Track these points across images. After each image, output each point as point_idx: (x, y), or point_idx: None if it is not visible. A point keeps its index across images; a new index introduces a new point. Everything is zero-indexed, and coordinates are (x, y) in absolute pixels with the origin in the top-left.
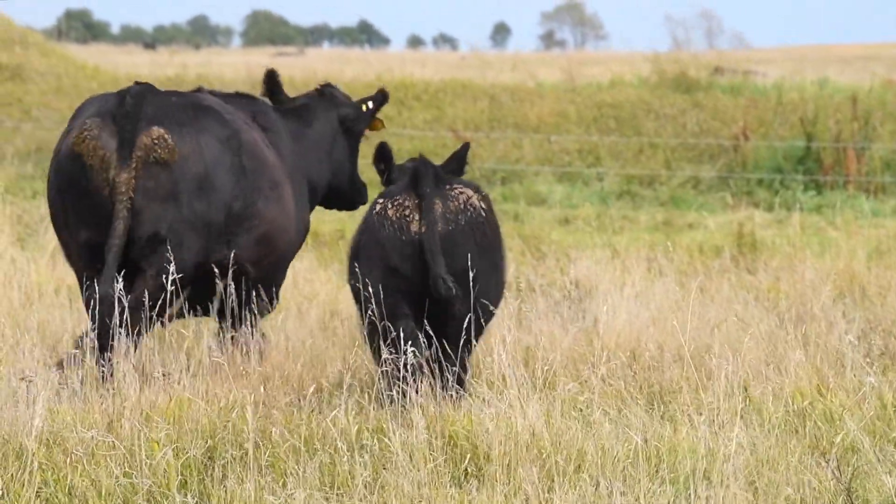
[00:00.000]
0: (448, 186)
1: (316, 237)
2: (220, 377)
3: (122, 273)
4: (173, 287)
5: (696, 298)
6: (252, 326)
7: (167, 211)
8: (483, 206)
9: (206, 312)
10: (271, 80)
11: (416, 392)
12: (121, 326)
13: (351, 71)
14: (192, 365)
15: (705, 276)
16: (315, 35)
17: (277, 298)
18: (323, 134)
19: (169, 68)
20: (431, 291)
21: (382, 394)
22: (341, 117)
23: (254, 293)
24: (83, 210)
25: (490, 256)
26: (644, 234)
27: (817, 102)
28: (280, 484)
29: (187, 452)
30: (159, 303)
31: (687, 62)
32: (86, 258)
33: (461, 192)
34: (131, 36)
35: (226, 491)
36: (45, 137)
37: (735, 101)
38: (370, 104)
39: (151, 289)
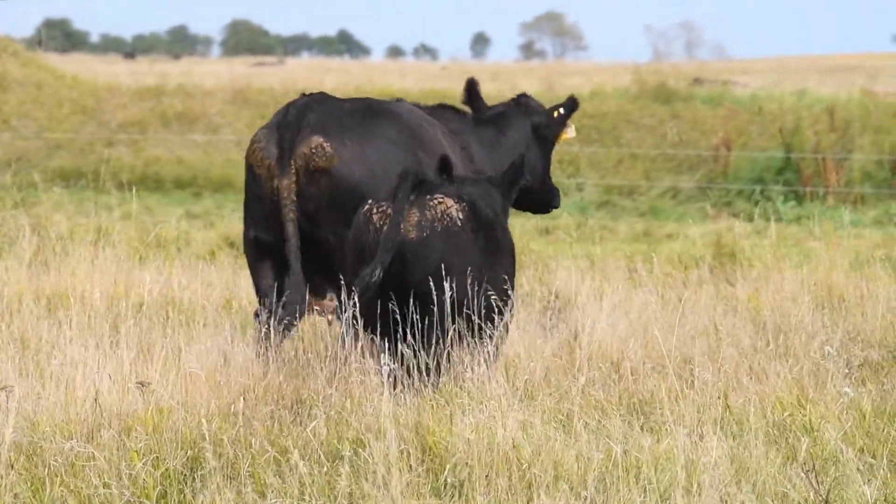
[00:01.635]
0: (428, 196)
1: None
2: (199, 388)
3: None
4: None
5: (675, 309)
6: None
7: (336, 214)
8: (461, 215)
9: None
10: (471, 90)
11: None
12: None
13: (331, 81)
14: (173, 375)
15: (685, 286)
16: (295, 45)
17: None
18: (517, 141)
19: (149, 77)
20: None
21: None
22: (534, 125)
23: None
24: (257, 212)
25: (469, 261)
26: (624, 244)
27: (797, 113)
28: (260, 495)
29: (167, 463)
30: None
31: (667, 73)
32: (253, 254)
33: (440, 203)
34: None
35: (205, 502)
36: (24, 147)
37: (715, 111)
38: (561, 110)
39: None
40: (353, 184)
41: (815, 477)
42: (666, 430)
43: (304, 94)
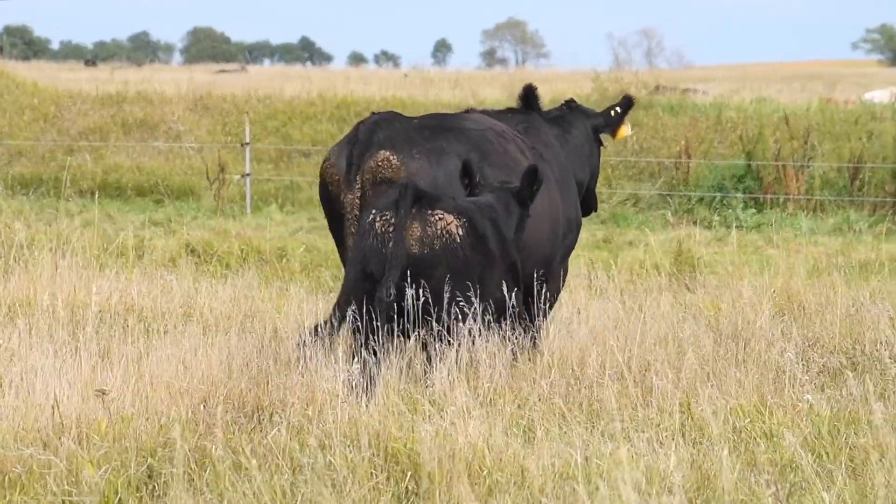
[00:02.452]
0: (429, 212)
1: (259, 255)
2: (159, 395)
3: None
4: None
5: (636, 316)
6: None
7: None
8: (460, 232)
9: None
10: (530, 94)
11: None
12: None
13: (292, 88)
14: (133, 382)
15: (646, 293)
16: (256, 52)
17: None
18: (580, 141)
19: (110, 85)
20: (377, 293)
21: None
22: (594, 126)
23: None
24: (333, 224)
25: (469, 276)
26: (585, 251)
27: (757, 121)
28: (220, 502)
29: (127, 470)
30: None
31: (628, 80)
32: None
33: (441, 219)
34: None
35: None
36: None
37: (676, 119)
38: (618, 109)
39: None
40: None
41: (775, 483)
42: (626, 437)
43: (373, 113)
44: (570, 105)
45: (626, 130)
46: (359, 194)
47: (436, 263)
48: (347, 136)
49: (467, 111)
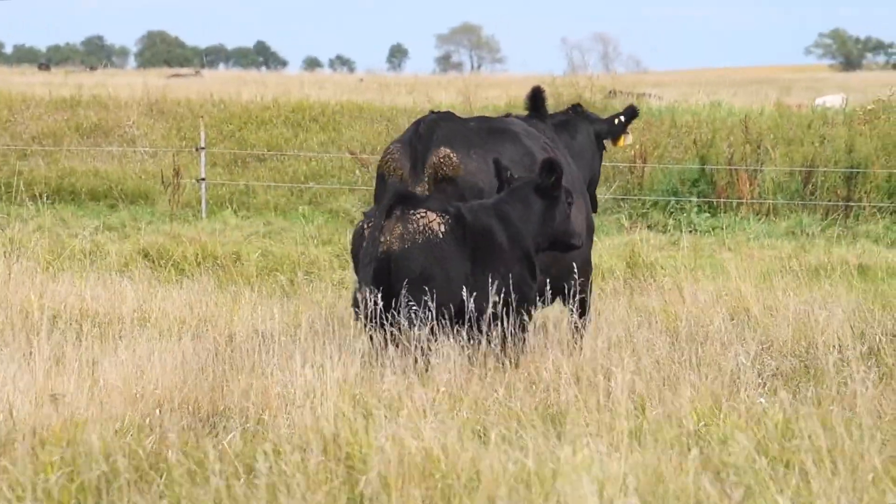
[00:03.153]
0: (411, 212)
1: (214, 260)
2: (114, 400)
3: None
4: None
5: (592, 320)
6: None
7: None
8: (442, 228)
9: None
10: (537, 98)
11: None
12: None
13: (248, 93)
14: (87, 387)
15: (600, 297)
16: (211, 56)
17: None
18: (584, 145)
19: (64, 89)
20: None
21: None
22: (597, 132)
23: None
24: None
25: (454, 266)
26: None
27: (711, 125)
28: None
29: (81, 476)
30: None
31: (582, 85)
32: None
33: (422, 217)
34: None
35: None
36: None
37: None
38: (622, 118)
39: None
40: (475, 193)
41: (729, 486)
42: (581, 441)
43: (432, 112)
44: (576, 109)
45: (627, 139)
46: (426, 188)
47: (415, 257)
48: (408, 132)
49: (506, 115)
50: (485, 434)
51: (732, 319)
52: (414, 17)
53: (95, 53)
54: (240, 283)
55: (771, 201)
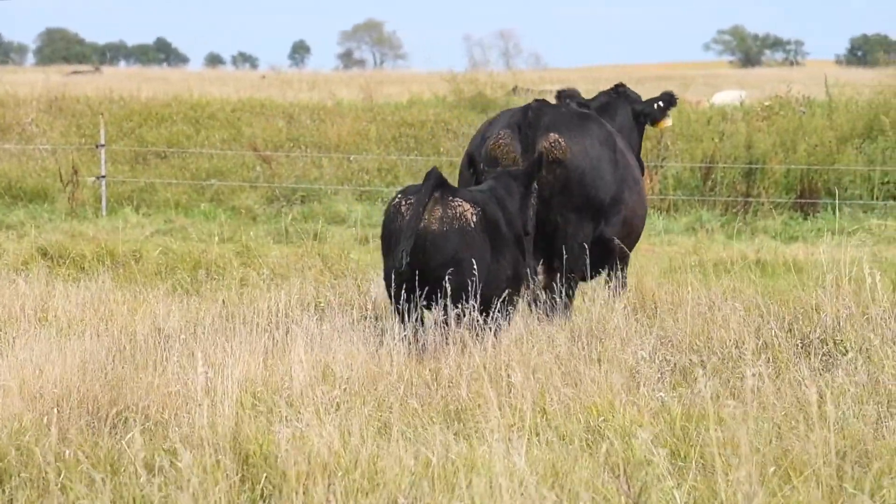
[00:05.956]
0: (450, 198)
1: (113, 257)
2: (12, 399)
3: None
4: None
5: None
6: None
7: (565, 198)
8: (474, 218)
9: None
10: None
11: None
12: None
13: (149, 89)
14: None
15: None
16: (111, 53)
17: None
18: (623, 126)
19: None
20: (392, 259)
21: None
22: (636, 112)
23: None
24: None
25: (479, 253)
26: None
27: None
28: None
29: None
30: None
31: (484, 82)
32: None
33: (459, 205)
34: None
35: None
36: None
37: None
38: (660, 103)
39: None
40: (580, 174)
41: (627, 480)
42: (481, 436)
43: (536, 100)
44: (618, 90)
45: (667, 122)
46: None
47: (450, 240)
48: (513, 119)
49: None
50: (386, 430)
51: (636, 314)
52: (317, 13)
53: None
54: (140, 281)
55: (671, 197)
